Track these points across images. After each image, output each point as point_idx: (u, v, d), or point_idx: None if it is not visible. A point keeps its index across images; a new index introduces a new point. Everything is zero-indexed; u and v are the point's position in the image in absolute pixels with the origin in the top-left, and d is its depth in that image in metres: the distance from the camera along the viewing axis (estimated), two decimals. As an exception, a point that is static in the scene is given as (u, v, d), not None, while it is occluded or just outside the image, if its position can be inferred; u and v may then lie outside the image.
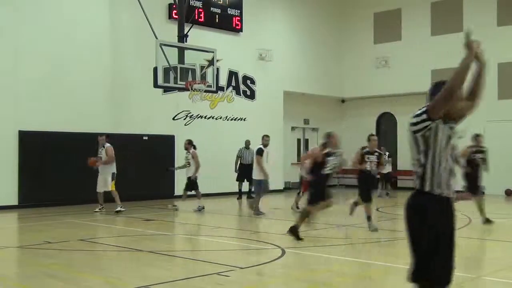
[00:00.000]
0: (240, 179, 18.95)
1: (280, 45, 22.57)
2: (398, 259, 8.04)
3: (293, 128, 23.95)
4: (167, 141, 18.78)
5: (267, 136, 14.70)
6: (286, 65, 22.75)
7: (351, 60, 25.08)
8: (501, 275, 7.32)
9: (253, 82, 21.61)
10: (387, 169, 16.90)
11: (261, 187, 14.35)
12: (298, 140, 24.42)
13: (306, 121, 24.66)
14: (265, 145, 14.74)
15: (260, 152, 14.38)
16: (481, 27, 21.27)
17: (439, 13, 22.60)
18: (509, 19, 20.79)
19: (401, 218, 5.85)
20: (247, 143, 18.84)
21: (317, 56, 24.21)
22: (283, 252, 8.76)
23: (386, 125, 25.02)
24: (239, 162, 18.94)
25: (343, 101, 25.97)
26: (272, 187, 21.45)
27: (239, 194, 18.98)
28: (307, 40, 23.81)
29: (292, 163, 23.56)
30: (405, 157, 23.74)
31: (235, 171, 18.97)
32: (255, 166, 14.54)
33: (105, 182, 14.48)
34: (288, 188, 22.74)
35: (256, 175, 14.37)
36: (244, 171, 18.36)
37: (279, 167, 22.14)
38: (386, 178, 18.46)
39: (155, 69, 15.19)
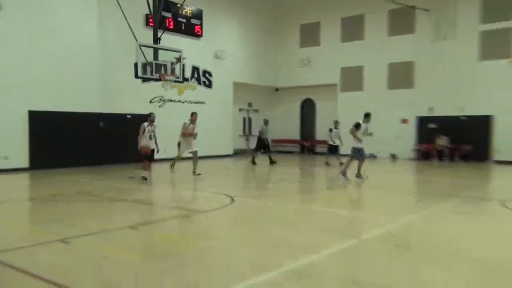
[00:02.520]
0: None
1: (231, 47, 22.46)
2: (312, 205, 8.30)
3: (240, 110, 23.95)
4: (145, 119, 18.50)
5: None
6: (235, 62, 22.70)
7: (284, 59, 25.17)
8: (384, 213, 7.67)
9: (210, 75, 21.51)
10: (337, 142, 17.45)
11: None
12: (244, 119, 24.49)
13: (250, 104, 24.71)
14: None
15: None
16: (377, 37, 21.77)
17: (347, 26, 22.87)
18: (397, 31, 21.28)
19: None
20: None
21: (259, 56, 24.21)
22: (232, 200, 8.88)
23: (308, 108, 25.37)
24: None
25: (277, 89, 26.09)
26: (225, 152, 21.66)
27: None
28: (252, 43, 23.75)
29: (239, 135, 23.81)
30: (321, 132, 24.28)
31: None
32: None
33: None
34: (236, 153, 22.92)
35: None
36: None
37: (230, 138, 22.39)
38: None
39: (136, 64, 14.97)
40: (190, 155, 13.25)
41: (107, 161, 16.84)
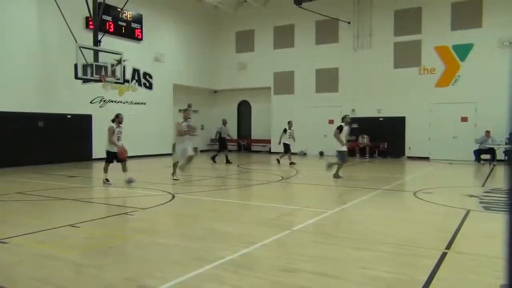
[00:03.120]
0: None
1: (171, 51, 22.03)
2: (248, 199, 8.33)
3: (180, 110, 23.52)
4: (86, 119, 17.77)
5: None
6: (175, 65, 22.30)
7: (221, 63, 25.08)
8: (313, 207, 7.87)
9: (151, 77, 20.96)
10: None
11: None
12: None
13: (190, 105, 24.38)
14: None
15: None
16: (305, 45, 22.29)
17: (279, 34, 23.23)
18: (323, 40, 21.91)
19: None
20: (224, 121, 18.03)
21: (198, 60, 23.95)
22: (173, 197, 8.70)
23: (244, 109, 25.47)
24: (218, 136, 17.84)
25: (215, 91, 25.97)
26: (165, 151, 21.19)
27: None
28: (191, 48, 23.44)
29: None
30: (257, 130, 24.48)
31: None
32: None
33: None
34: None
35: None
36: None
37: (169, 137, 21.92)
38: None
39: (76, 65, 14.26)
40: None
41: (47, 161, 15.94)
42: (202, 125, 25.25)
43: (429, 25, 19.43)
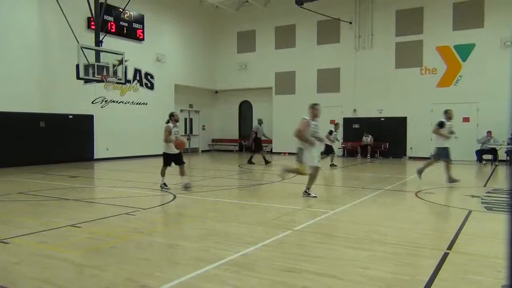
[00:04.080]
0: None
1: (172, 51, 22.06)
2: (245, 199, 8.32)
3: (181, 110, 23.59)
4: (88, 119, 17.78)
5: None
6: (176, 65, 22.32)
7: (223, 63, 25.09)
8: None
9: (152, 77, 20.98)
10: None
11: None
12: (185, 119, 24.16)
13: (191, 106, 24.41)
14: None
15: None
16: (307, 45, 22.28)
17: (280, 34, 23.23)
18: (324, 40, 21.89)
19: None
20: (260, 121, 17.00)
21: (199, 60, 23.96)
22: (175, 197, 8.70)
23: (245, 109, 25.47)
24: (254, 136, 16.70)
25: (216, 92, 25.98)
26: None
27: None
28: (192, 48, 23.46)
29: (181, 135, 23.35)
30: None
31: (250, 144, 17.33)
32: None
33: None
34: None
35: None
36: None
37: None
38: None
39: (77, 66, 14.26)
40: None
41: (49, 161, 15.97)
42: (204, 125, 25.28)
43: (430, 25, 19.39)
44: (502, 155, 17.24)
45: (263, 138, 16.87)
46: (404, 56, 19.96)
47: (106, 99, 18.57)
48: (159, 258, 4.73)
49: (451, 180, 10.87)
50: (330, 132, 16.02)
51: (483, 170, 15.05)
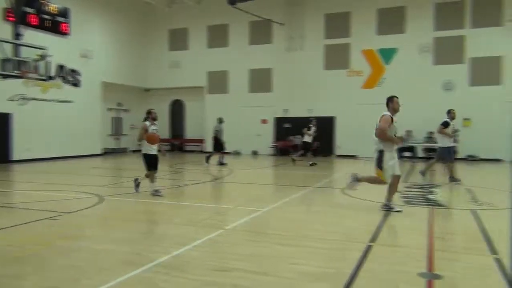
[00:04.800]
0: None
1: (100, 47, 21.13)
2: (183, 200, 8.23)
3: (109, 109, 22.71)
4: (4, 118, 16.52)
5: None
6: (104, 62, 21.40)
7: (154, 61, 24.49)
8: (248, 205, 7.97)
9: (78, 73, 19.94)
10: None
11: None
12: (113, 118, 23.27)
13: (120, 104, 23.58)
14: None
15: None
16: (239, 45, 22.43)
17: (213, 33, 23.16)
18: (257, 41, 22.17)
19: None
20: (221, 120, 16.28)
21: (129, 57, 23.20)
22: (101, 199, 8.37)
23: (177, 108, 25.09)
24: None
25: (147, 90, 25.31)
26: (93, 152, 20.31)
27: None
28: (122, 45, 22.65)
29: (107, 134, 22.54)
30: (191, 129, 24.24)
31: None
32: None
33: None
34: (106, 153, 21.66)
35: None
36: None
37: (97, 138, 21.07)
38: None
39: (-7, 60, 13.22)
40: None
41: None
42: (133, 125, 24.53)
43: (357, 29, 20.36)
44: (420, 152, 18.60)
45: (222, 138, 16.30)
46: (333, 58, 20.78)
47: (25, 97, 17.35)
48: (86, 264, 4.54)
49: (453, 179, 10.87)
50: (309, 128, 16.12)
51: (403, 167, 16.10)
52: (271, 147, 21.81)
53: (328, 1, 20.83)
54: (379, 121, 7.21)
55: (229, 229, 6.01)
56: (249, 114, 22.03)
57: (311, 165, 15.57)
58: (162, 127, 24.83)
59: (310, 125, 16.17)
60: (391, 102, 7.41)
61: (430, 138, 18.55)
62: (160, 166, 9.17)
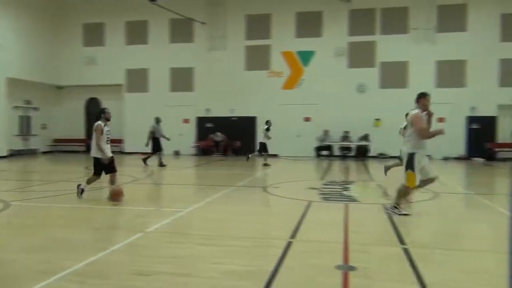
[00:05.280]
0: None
1: (5, 41, 19.38)
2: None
3: (15, 107, 20.99)
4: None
5: None
6: (10, 56, 19.67)
7: (67, 57, 23.04)
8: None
9: (-22, 68, 18.17)
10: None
11: None
12: (20, 117, 21.53)
13: (28, 102, 21.88)
14: None
15: None
16: (160, 43, 21.92)
17: (132, 29, 22.39)
18: (178, 39, 21.83)
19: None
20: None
21: (39, 52, 21.59)
22: (7, 205, 7.71)
23: (93, 107, 23.85)
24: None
25: (60, 87, 23.76)
26: (-2, 154, 18.65)
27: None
28: (31, 38, 21.01)
29: (14, 135, 20.82)
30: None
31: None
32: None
33: None
34: (12, 154, 19.99)
35: None
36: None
37: (2, 138, 19.38)
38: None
39: None
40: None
41: None
42: (45, 125, 22.94)
43: (277, 31, 20.87)
44: (336, 151, 19.57)
45: (162, 138, 15.63)
46: (254, 58, 21.10)
47: None
48: (-12, 275, 4.15)
49: None
50: (268, 129, 16.01)
51: (321, 165, 16.81)
52: (193, 147, 21.61)
53: (249, 2, 21.12)
54: (411, 122, 6.77)
55: (150, 232, 5.85)
56: (171, 113, 21.60)
57: (264, 165, 15.49)
58: (76, 127, 23.56)
59: (266, 125, 16.22)
60: (423, 99, 6.87)
61: (346, 137, 19.59)
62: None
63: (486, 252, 5.18)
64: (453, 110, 18.69)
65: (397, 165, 11.43)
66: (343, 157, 19.47)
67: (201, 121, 21.67)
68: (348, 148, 19.62)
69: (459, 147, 19.16)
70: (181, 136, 21.53)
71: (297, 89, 20.68)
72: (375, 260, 4.71)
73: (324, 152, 19.62)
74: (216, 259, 4.66)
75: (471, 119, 19.06)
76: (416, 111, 6.78)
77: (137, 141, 21.24)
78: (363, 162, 17.66)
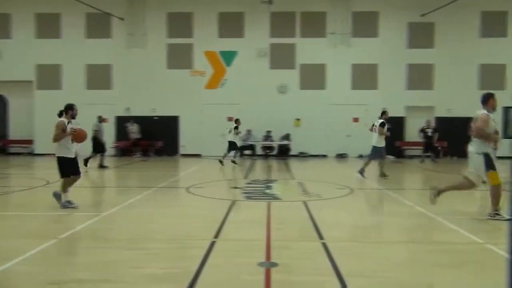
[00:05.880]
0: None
1: None
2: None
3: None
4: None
5: None
6: None
7: (-35, 49, 20.94)
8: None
9: None
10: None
11: None
12: None
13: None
14: None
15: None
16: (74, 37, 20.72)
17: (42, 22, 20.89)
18: (94, 34, 20.80)
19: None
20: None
21: None
22: None
23: (-1, 104, 21.95)
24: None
25: (-43, 83, 21.51)
26: None
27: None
28: None
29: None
30: (17, 129, 21.44)
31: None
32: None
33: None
34: None
35: None
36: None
37: None
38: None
39: None
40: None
41: None
42: None
43: (199, 30, 20.68)
44: (259, 150, 19.90)
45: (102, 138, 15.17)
46: (176, 57, 20.73)
47: None
48: None
49: (384, 175, 11.94)
50: (236, 128, 16.16)
51: (244, 164, 16.99)
52: (112, 148, 20.71)
53: (170, 0, 20.72)
54: (476, 121, 6.57)
55: (64, 238, 5.51)
56: (87, 112, 20.40)
57: (232, 162, 16.13)
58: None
59: (236, 124, 16.27)
60: (491, 99, 6.69)
61: (268, 137, 19.98)
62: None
63: (398, 243, 5.57)
64: (367, 110, 19.89)
65: (367, 164, 12.33)
66: (266, 156, 19.85)
67: (121, 120, 20.83)
68: (270, 148, 20.04)
69: (373, 145, 20.42)
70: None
71: (220, 89, 20.68)
72: (297, 256, 4.86)
73: (247, 152, 19.85)
74: (137, 263, 4.51)
75: (383, 120, 20.40)
76: (483, 111, 6.60)
77: (49, 142, 19.92)
78: (285, 161, 18.15)
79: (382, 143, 12.04)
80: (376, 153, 12.14)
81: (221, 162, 15.97)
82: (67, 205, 7.44)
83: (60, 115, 7.87)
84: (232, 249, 5.12)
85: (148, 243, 5.32)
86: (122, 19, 20.48)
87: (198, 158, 19.71)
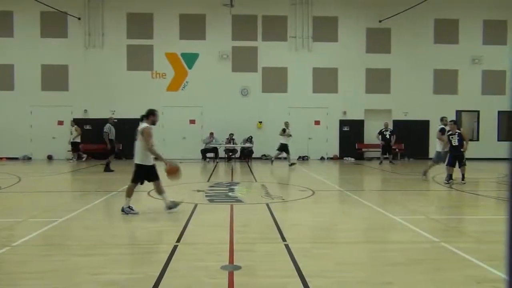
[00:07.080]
0: None
1: None
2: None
3: None
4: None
5: None
6: None
7: None
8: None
9: None
10: None
11: None
12: None
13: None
14: None
15: None
16: (28, 37, 19.93)
17: (-7, 20, 20.03)
18: (49, 34, 20.09)
19: None
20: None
21: None
22: None
23: None
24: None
25: None
26: None
27: None
28: None
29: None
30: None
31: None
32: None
33: None
34: None
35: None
36: None
37: None
38: None
39: None
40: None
41: None
42: None
43: (160, 32, 20.39)
44: (222, 153, 19.83)
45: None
46: (136, 58, 20.33)
47: None
48: None
49: (425, 175, 12.32)
50: (284, 130, 17.13)
51: (207, 167, 16.89)
52: (69, 151, 20.04)
53: (129, 0, 20.34)
54: None
55: (17, 245, 5.28)
56: (43, 114, 19.80)
57: (291, 165, 16.82)
58: None
59: (284, 127, 17.42)
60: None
61: (231, 139, 19.95)
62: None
63: (357, 243, 5.71)
64: (328, 114, 20.23)
65: (430, 167, 12.53)
66: (229, 159, 19.82)
67: (78, 123, 20.19)
68: (233, 150, 20.02)
69: (334, 148, 20.81)
70: (54, 139, 19.90)
71: (181, 91, 20.48)
72: (259, 258, 4.88)
73: (210, 154, 19.73)
74: (96, 269, 4.39)
75: (343, 122, 20.86)
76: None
77: (0, 145, 19.11)
78: (248, 164, 18.18)
79: (441, 148, 12.18)
80: (439, 158, 12.27)
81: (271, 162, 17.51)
82: (128, 211, 7.29)
83: (141, 119, 7.96)
84: (194, 253, 5.08)
85: (108, 248, 5.18)
86: (78, 18, 19.91)
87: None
